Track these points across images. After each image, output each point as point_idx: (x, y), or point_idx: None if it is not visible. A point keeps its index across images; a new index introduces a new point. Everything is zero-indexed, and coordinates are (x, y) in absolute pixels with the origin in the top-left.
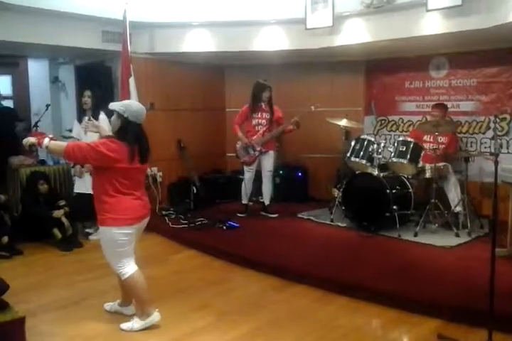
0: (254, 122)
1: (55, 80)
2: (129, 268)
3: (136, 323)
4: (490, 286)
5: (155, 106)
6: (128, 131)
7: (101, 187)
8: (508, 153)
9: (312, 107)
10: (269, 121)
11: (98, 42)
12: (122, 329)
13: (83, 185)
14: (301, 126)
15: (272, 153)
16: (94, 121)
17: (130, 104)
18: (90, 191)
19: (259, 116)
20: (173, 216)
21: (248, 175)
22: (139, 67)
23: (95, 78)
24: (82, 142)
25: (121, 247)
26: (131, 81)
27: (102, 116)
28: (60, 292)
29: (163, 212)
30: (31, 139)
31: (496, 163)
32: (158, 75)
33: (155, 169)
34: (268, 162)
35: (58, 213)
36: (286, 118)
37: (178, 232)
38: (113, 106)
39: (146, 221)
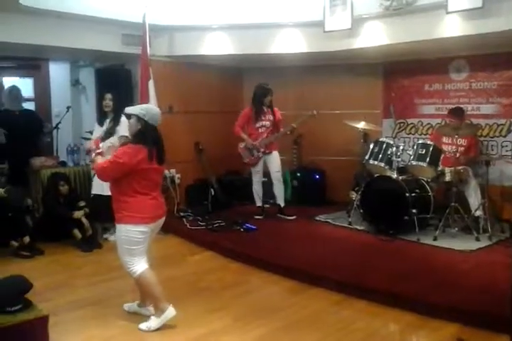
0: (258, 124)
1: (75, 83)
2: (139, 266)
3: (153, 322)
4: (511, 291)
5: (173, 108)
6: (147, 134)
7: (119, 187)
8: None
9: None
10: (272, 122)
11: (118, 45)
12: (141, 329)
13: (100, 186)
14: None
15: (276, 153)
16: (105, 143)
17: (150, 108)
18: (107, 192)
19: (264, 118)
20: (190, 217)
21: (256, 176)
22: (157, 70)
23: (115, 81)
24: (105, 161)
25: (135, 245)
26: (151, 84)
27: (123, 118)
28: (81, 292)
29: (181, 214)
30: (92, 146)
31: None
32: (176, 78)
33: (173, 171)
34: (274, 163)
35: (78, 214)
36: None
37: (195, 234)
38: (132, 110)
39: (161, 221)
